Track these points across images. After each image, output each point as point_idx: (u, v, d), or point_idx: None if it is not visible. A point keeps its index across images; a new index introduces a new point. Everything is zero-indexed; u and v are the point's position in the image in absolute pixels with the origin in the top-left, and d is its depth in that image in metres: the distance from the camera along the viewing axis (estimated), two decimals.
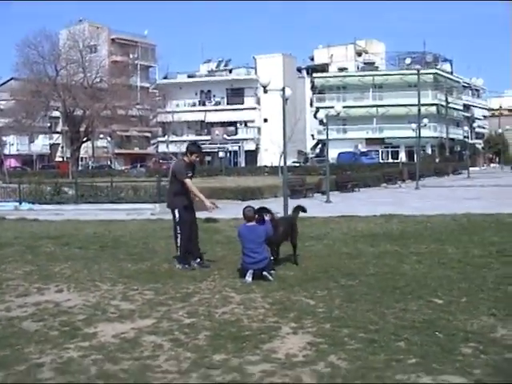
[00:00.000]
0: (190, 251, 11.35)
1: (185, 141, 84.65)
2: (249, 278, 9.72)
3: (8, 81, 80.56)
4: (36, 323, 7.54)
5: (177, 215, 11.73)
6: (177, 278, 10.16)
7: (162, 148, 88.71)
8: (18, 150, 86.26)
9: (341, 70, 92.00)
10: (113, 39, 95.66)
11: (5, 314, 8.04)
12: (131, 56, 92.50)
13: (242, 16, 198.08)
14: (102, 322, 7.55)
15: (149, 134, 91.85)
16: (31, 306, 8.40)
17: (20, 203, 26.98)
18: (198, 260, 11.35)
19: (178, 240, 11.46)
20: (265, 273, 9.81)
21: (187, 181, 11.55)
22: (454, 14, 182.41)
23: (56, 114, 73.92)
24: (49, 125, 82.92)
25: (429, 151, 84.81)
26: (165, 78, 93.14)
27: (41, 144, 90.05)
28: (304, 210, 12.14)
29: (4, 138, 76.72)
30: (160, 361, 6.10)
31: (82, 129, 66.18)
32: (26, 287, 9.66)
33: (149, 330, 7.13)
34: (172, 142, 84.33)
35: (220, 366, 5.93)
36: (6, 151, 78.61)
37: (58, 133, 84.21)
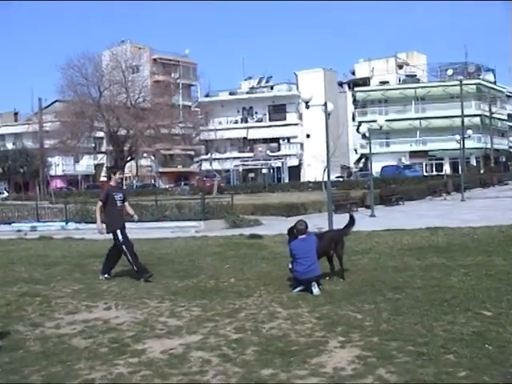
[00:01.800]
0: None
1: (228, 158, 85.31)
2: (314, 288, 9.91)
3: (53, 103, 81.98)
4: (85, 340, 7.66)
5: (119, 236, 12.28)
6: (223, 294, 10.20)
7: (206, 166, 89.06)
8: (63, 171, 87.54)
9: (382, 83, 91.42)
10: (154, 59, 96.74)
11: (55, 331, 8.18)
12: (173, 75, 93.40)
13: (282, 31, 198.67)
14: (150, 338, 7.63)
15: (192, 152, 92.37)
16: (80, 323, 8.53)
17: (66, 223, 27.37)
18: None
19: (129, 257, 12.10)
20: (314, 283, 9.87)
21: (98, 203, 12.52)
22: (496, 20, 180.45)
23: (100, 134, 74.89)
24: (93, 145, 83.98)
25: (473, 162, 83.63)
26: (206, 95, 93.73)
27: (85, 164, 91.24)
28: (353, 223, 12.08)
29: (50, 159, 78.11)
30: (208, 376, 6.15)
31: (125, 148, 66.99)
32: (75, 305, 9.81)
33: (196, 346, 7.18)
34: (215, 159, 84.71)
35: (268, 380, 5.95)
36: (52, 172, 79.98)
37: (102, 153, 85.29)
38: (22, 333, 8.17)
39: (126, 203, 13.01)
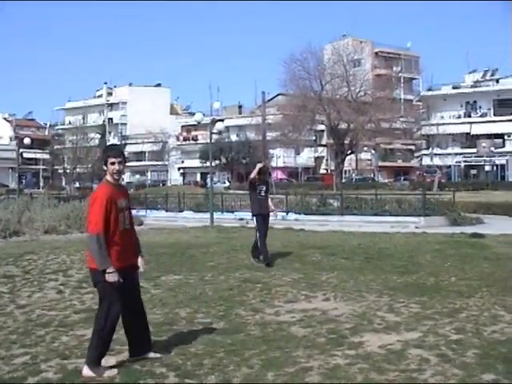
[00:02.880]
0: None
1: (449, 154, 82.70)
2: None
3: (275, 96, 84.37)
4: (304, 329, 7.77)
5: (255, 221, 13.84)
6: (443, 292, 9.90)
7: (426, 161, 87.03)
8: (284, 163, 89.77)
9: None
10: (376, 52, 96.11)
11: (274, 318, 8.39)
12: (394, 69, 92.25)
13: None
14: (367, 332, 7.58)
15: (412, 147, 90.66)
16: (299, 312, 8.68)
17: (287, 213, 28.03)
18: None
19: (257, 240, 13.62)
20: None
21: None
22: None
23: (321, 127, 75.87)
24: (314, 138, 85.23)
25: None
26: (429, 89, 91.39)
27: (306, 157, 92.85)
28: None
29: (272, 151, 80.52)
30: (426, 375, 5.98)
31: (346, 142, 67.21)
32: (294, 294, 10.01)
33: (415, 344, 7.01)
34: (436, 154, 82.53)
35: None
36: (273, 164, 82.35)
37: (322, 145, 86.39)
38: (243, 317, 8.48)
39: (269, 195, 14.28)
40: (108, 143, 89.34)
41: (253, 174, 13.97)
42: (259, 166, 14.13)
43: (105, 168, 6.40)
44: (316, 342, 7.15)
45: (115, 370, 6.13)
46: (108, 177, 6.40)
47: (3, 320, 8.39)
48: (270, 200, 14.25)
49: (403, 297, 9.55)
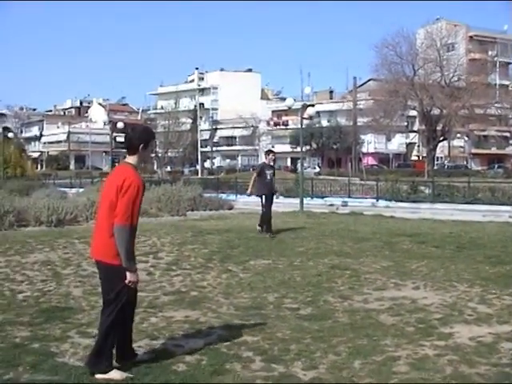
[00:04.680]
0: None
1: None
2: None
3: (367, 81, 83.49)
4: (392, 317, 7.67)
5: (263, 200, 16.37)
6: None
7: None
8: (375, 149, 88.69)
9: None
10: (471, 36, 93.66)
11: (363, 306, 8.31)
12: (490, 53, 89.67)
13: None
14: (458, 323, 7.40)
15: (507, 134, 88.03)
16: (388, 300, 8.56)
17: (377, 200, 27.79)
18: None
19: (264, 216, 16.25)
20: None
21: (254, 174, 17.11)
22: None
23: (413, 113, 74.61)
24: (405, 124, 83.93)
25: None
26: None
27: (397, 143, 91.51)
28: None
29: (362, 137, 79.82)
30: None
31: (438, 128, 65.91)
32: (384, 281, 9.88)
33: (507, 337, 6.81)
34: None
35: None
36: (364, 149, 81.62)
37: (414, 132, 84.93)
38: (331, 303, 8.44)
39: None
40: (199, 128, 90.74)
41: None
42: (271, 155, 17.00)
43: (136, 152, 5.68)
44: (405, 331, 7.04)
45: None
46: (136, 161, 5.71)
47: (95, 299, 8.57)
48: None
49: (496, 288, 9.27)
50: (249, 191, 17.23)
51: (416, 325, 7.31)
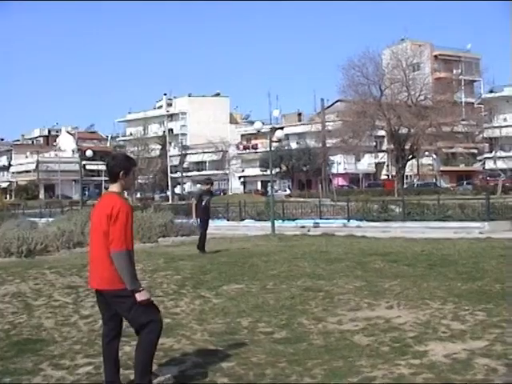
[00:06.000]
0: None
1: None
2: None
3: (334, 103, 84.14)
4: (367, 337, 7.66)
5: (199, 223, 18.40)
6: (510, 299, 9.58)
7: (489, 165, 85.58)
8: (344, 169, 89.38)
9: None
10: (435, 56, 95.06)
11: (337, 327, 8.29)
12: (455, 71, 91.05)
13: None
14: (432, 340, 7.40)
15: (475, 151, 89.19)
16: (362, 321, 8.55)
17: (348, 220, 27.84)
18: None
19: (201, 238, 18.02)
20: None
21: (193, 201, 19.01)
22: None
23: (381, 133, 75.38)
24: (374, 144, 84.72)
25: None
26: (491, 91, 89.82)
27: (366, 163, 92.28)
28: None
29: (332, 158, 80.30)
30: None
31: (406, 147, 66.60)
32: (357, 302, 9.87)
33: (481, 353, 6.82)
34: (500, 158, 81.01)
35: None
36: (334, 170, 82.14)
37: (383, 151, 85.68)
38: (305, 326, 8.40)
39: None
40: (169, 154, 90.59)
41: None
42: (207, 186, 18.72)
43: (118, 179, 5.77)
44: (380, 351, 7.03)
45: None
46: (119, 189, 5.81)
47: (67, 330, 8.51)
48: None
49: (468, 304, 9.31)
50: (194, 218, 18.64)
51: (391, 344, 7.30)
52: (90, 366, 6.81)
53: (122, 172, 5.76)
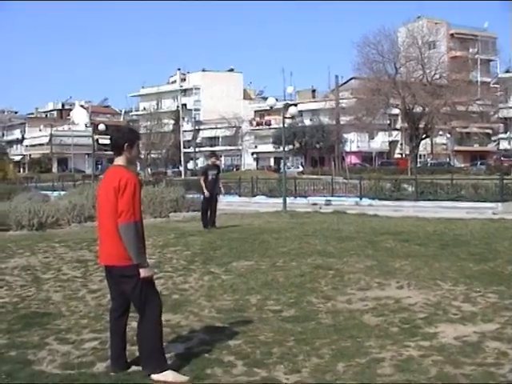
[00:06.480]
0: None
1: None
2: None
3: (349, 80, 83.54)
4: (376, 318, 7.57)
5: (202, 197, 18.32)
6: None
7: (504, 145, 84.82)
8: (358, 147, 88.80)
9: None
10: (452, 34, 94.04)
11: (346, 306, 8.21)
12: (471, 50, 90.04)
13: None
14: (442, 322, 7.31)
15: (489, 131, 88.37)
16: (372, 301, 8.46)
17: (360, 198, 27.76)
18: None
19: (202, 212, 18.38)
20: None
21: (201, 177, 18.39)
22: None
23: (395, 111, 74.73)
24: (388, 122, 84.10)
25: None
26: (507, 71, 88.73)
27: (380, 141, 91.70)
28: None
29: (345, 135, 79.87)
30: (505, 370, 5.70)
31: (421, 126, 66.12)
32: (367, 281, 9.77)
33: (492, 336, 6.72)
34: None
35: None
36: (347, 148, 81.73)
37: (397, 130, 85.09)
38: (314, 304, 8.33)
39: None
40: (182, 129, 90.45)
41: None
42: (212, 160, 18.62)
43: (122, 152, 5.67)
44: (389, 332, 6.94)
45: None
46: (125, 162, 5.70)
47: (75, 304, 8.48)
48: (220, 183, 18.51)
49: (480, 286, 9.20)
50: (206, 192, 17.81)
51: (400, 325, 7.21)
52: (95, 341, 6.77)
53: (126, 144, 5.67)
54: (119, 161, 5.71)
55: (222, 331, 7.04)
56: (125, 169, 5.64)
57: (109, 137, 5.98)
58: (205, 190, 17.79)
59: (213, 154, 19.77)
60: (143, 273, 5.45)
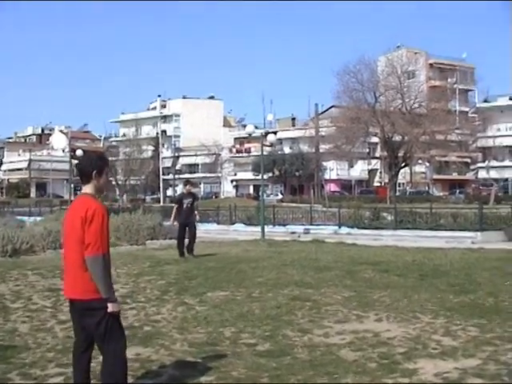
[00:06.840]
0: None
1: (506, 166, 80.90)
2: None
3: (329, 108, 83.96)
4: (354, 352, 7.32)
5: (179, 228, 17.97)
6: (503, 314, 9.27)
7: (482, 174, 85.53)
8: (337, 175, 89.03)
9: None
10: (431, 64, 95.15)
11: (323, 340, 7.95)
12: (449, 80, 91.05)
13: None
14: (422, 357, 7.06)
15: (468, 160, 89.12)
16: (349, 334, 8.21)
17: (339, 227, 27.57)
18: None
19: (178, 240, 18.03)
20: None
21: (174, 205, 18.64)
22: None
23: (374, 139, 75.20)
24: (367, 150, 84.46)
25: None
26: (485, 101, 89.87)
27: (359, 169, 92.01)
28: None
29: (325, 164, 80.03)
30: None
31: (400, 154, 66.50)
32: (345, 313, 9.52)
33: (474, 372, 6.48)
34: (493, 167, 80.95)
35: None
36: (327, 176, 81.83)
37: (376, 158, 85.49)
38: (290, 338, 8.06)
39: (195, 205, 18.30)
40: (161, 155, 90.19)
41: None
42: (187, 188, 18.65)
43: (91, 180, 5.39)
44: (367, 368, 6.69)
45: None
46: (93, 190, 5.42)
47: (42, 336, 8.16)
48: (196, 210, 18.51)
49: (460, 318, 8.98)
50: (171, 221, 18.27)
51: (379, 360, 6.96)
52: (60, 376, 6.46)
53: (94, 172, 5.40)
54: (87, 189, 5.42)
55: (193, 366, 6.77)
56: (92, 198, 5.36)
57: (76, 164, 5.73)
58: (171, 219, 18.11)
59: (187, 181, 19.76)
60: (111, 307, 5.17)
